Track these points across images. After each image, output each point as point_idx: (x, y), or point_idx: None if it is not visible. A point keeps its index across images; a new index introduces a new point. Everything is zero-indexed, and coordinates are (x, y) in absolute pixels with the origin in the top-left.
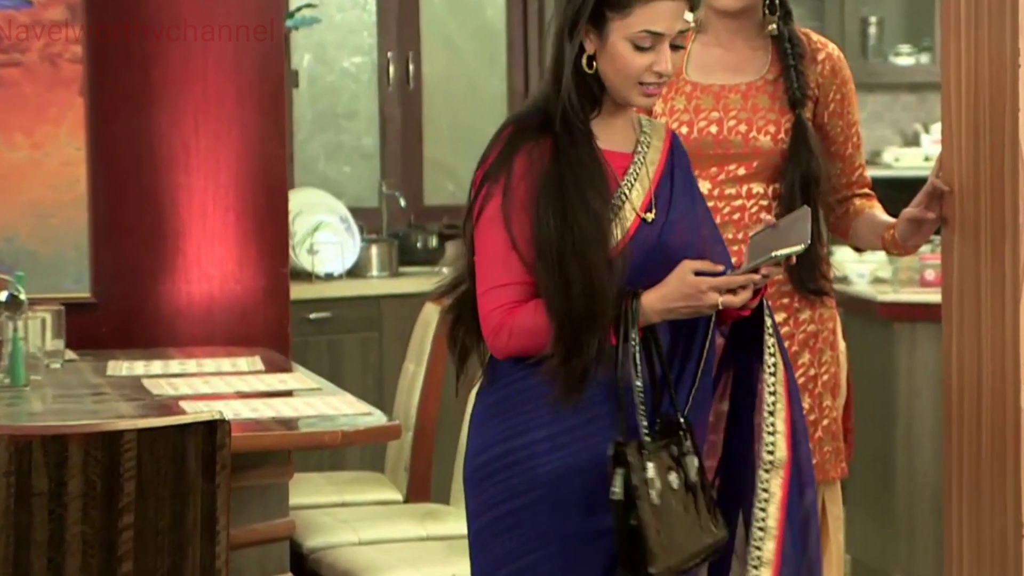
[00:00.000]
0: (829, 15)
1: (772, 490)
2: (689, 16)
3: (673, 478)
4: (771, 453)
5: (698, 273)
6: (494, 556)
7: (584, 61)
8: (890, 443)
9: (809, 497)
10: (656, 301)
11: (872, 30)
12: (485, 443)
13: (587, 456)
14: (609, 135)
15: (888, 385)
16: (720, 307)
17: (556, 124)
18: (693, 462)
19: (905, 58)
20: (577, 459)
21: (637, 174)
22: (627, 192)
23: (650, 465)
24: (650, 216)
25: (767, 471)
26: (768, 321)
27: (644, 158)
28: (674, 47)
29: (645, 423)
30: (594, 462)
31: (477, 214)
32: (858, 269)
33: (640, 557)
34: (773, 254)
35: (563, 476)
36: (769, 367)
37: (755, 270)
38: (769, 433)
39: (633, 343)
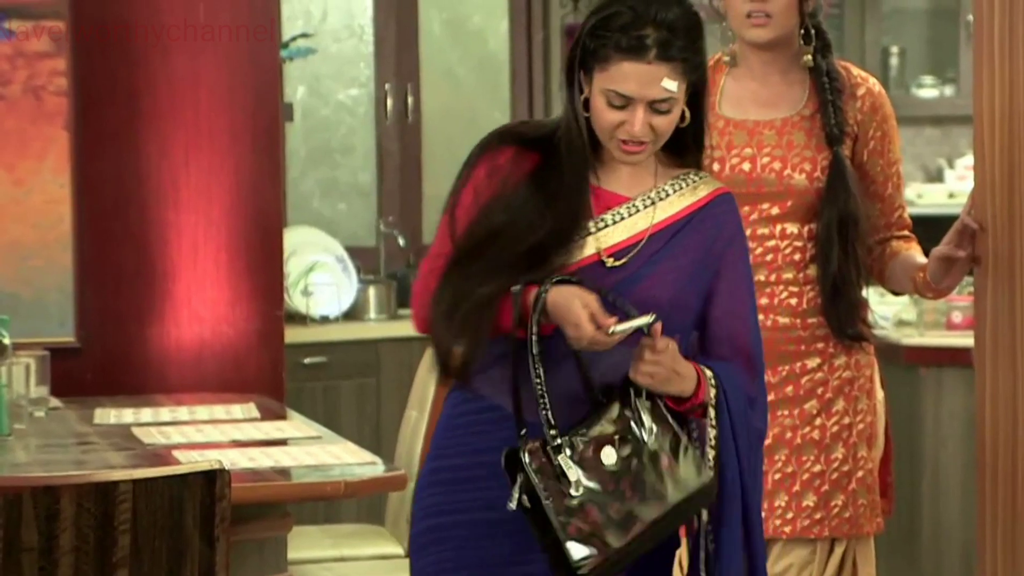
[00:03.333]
0: (849, 45)
1: None
2: (672, 85)
3: (608, 454)
4: None
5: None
6: (419, 567)
7: (582, 103)
8: (915, 495)
9: None
10: (556, 294)
11: (894, 61)
12: (428, 455)
13: (495, 493)
14: (610, 175)
15: (913, 434)
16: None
17: (558, 146)
18: (649, 426)
19: (928, 90)
20: (486, 494)
21: (621, 217)
22: (595, 228)
23: (560, 458)
24: (612, 262)
25: None
26: (711, 412)
27: (645, 207)
28: (659, 112)
29: (546, 415)
30: (497, 502)
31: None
32: (881, 311)
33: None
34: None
35: (471, 507)
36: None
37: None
38: None
39: (533, 333)
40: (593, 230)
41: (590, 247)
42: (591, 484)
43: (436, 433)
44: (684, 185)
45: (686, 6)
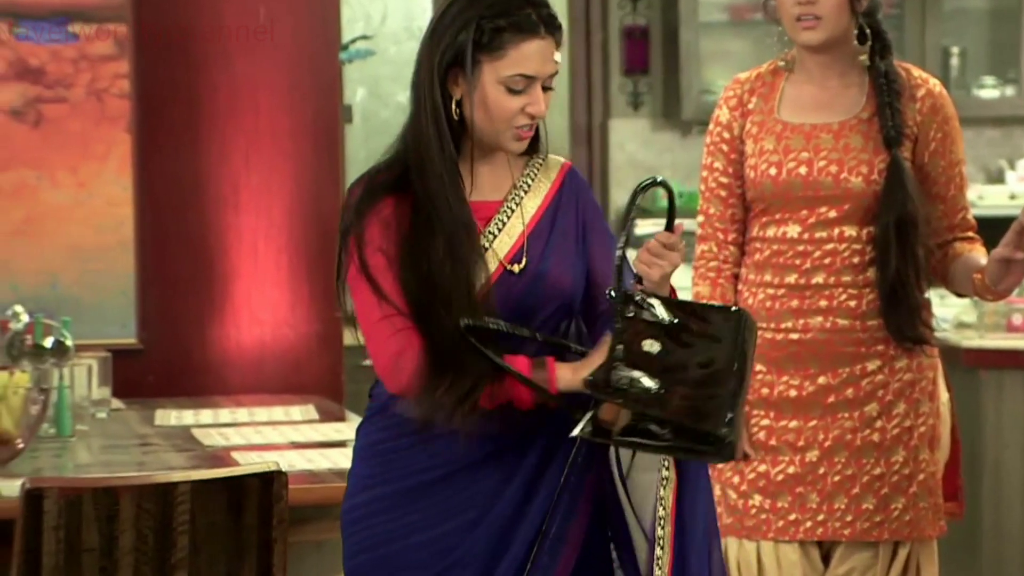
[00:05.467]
0: (909, 45)
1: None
2: (558, 56)
3: (649, 344)
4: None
5: None
6: None
7: (452, 107)
8: (976, 500)
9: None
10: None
11: (954, 61)
12: (351, 490)
13: (425, 514)
14: (474, 184)
15: (974, 437)
16: None
17: (414, 176)
18: (663, 308)
19: (990, 90)
20: (422, 515)
21: (504, 223)
22: (488, 243)
23: (621, 371)
24: (517, 267)
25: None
26: None
27: (517, 204)
28: (546, 88)
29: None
30: (430, 522)
31: (346, 270)
32: (941, 314)
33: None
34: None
35: (407, 534)
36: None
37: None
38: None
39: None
40: (488, 245)
41: (493, 261)
42: (659, 374)
43: (356, 465)
44: (537, 171)
45: None
